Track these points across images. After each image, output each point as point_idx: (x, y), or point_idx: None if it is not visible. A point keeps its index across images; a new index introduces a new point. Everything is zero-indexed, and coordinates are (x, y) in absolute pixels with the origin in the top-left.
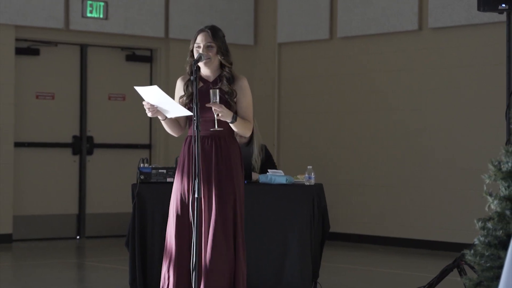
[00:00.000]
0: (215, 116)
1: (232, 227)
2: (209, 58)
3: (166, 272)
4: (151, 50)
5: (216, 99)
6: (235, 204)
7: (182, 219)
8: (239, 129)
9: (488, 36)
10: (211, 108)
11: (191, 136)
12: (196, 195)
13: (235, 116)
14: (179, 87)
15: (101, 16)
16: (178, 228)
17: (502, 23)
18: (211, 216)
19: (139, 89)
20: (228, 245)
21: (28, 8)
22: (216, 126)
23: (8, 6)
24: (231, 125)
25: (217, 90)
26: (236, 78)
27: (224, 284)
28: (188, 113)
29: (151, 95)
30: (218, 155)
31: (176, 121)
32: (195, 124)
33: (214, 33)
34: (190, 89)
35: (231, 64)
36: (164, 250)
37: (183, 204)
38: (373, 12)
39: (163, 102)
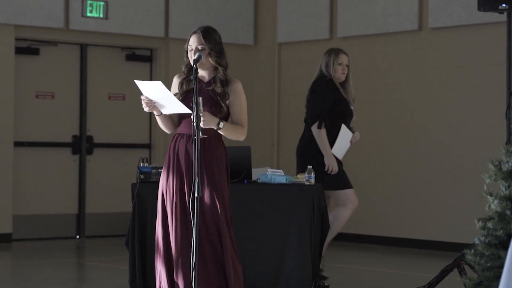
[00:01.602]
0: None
1: (215, 228)
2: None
3: (161, 270)
4: (151, 49)
5: (200, 106)
6: (216, 204)
7: (166, 216)
8: (227, 134)
9: (488, 36)
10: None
11: (178, 134)
12: (196, 195)
13: (221, 122)
14: (175, 85)
15: (101, 15)
16: (164, 226)
17: (502, 23)
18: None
19: (140, 83)
20: (211, 244)
21: (28, 8)
22: (200, 133)
23: (7, 6)
24: (218, 131)
25: (200, 98)
26: (230, 81)
27: (208, 283)
28: (186, 110)
29: (152, 90)
30: (201, 156)
31: (170, 118)
32: (195, 123)
33: (206, 35)
34: (184, 87)
35: (225, 66)
36: (156, 248)
37: (168, 201)
38: (373, 12)
39: (163, 98)
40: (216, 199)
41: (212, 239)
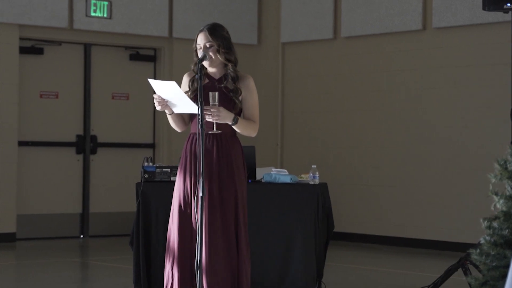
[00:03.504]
0: (214, 119)
1: (234, 226)
2: (210, 57)
3: (170, 270)
4: (154, 49)
5: (215, 101)
6: (236, 203)
7: (184, 217)
8: (242, 130)
9: (492, 36)
10: (214, 107)
11: (193, 134)
12: (200, 194)
13: (236, 118)
14: (185, 83)
15: (105, 15)
16: (180, 226)
17: (507, 23)
18: (212, 215)
19: (153, 82)
20: (229, 244)
21: (32, 7)
22: (214, 129)
23: (12, 5)
24: (233, 126)
25: (216, 93)
26: (242, 77)
27: (224, 284)
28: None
29: (165, 90)
30: (219, 154)
31: (181, 117)
32: (199, 123)
33: (213, 31)
34: (195, 85)
35: (234, 61)
36: (167, 248)
37: (186, 202)
38: (377, 12)
39: (175, 98)
40: (235, 197)
41: (230, 237)
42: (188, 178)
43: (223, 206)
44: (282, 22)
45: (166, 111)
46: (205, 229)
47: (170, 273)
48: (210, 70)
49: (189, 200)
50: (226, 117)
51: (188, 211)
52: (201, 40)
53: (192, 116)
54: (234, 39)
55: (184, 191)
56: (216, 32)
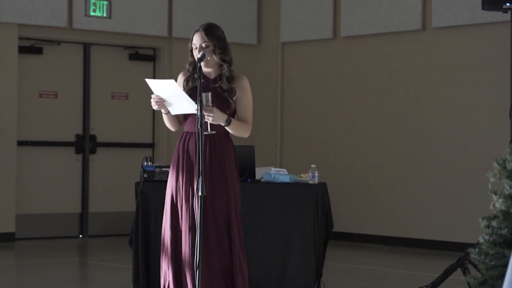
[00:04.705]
0: (208, 119)
1: (226, 226)
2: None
3: (167, 269)
4: (154, 49)
5: (209, 102)
6: (228, 203)
7: (175, 215)
8: (235, 131)
9: (492, 36)
10: (207, 108)
11: (186, 133)
12: (200, 193)
13: (229, 119)
14: (180, 82)
15: (104, 15)
16: (173, 225)
17: (506, 23)
18: (203, 215)
19: (151, 82)
20: (221, 244)
21: (32, 7)
22: (209, 129)
23: (11, 5)
24: (225, 127)
25: (209, 94)
26: (237, 77)
27: (216, 282)
28: (195, 110)
29: (163, 89)
30: (212, 154)
31: (175, 116)
32: (199, 122)
33: (209, 31)
34: (190, 84)
35: (229, 61)
36: (161, 247)
37: (177, 201)
38: (377, 12)
39: (174, 97)
40: (227, 197)
41: (222, 237)
42: (181, 177)
43: (214, 206)
44: (282, 22)
45: (162, 110)
46: (193, 229)
47: (167, 272)
48: (206, 70)
49: (182, 199)
50: (219, 118)
51: (181, 210)
52: (197, 40)
53: (186, 115)
54: (234, 39)
55: (176, 190)
56: (212, 32)
